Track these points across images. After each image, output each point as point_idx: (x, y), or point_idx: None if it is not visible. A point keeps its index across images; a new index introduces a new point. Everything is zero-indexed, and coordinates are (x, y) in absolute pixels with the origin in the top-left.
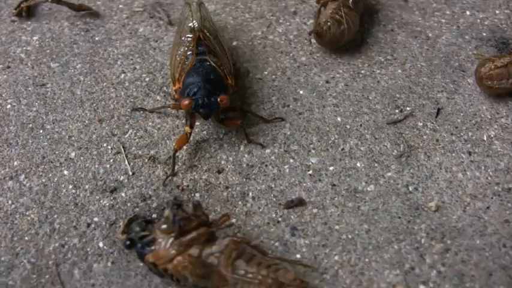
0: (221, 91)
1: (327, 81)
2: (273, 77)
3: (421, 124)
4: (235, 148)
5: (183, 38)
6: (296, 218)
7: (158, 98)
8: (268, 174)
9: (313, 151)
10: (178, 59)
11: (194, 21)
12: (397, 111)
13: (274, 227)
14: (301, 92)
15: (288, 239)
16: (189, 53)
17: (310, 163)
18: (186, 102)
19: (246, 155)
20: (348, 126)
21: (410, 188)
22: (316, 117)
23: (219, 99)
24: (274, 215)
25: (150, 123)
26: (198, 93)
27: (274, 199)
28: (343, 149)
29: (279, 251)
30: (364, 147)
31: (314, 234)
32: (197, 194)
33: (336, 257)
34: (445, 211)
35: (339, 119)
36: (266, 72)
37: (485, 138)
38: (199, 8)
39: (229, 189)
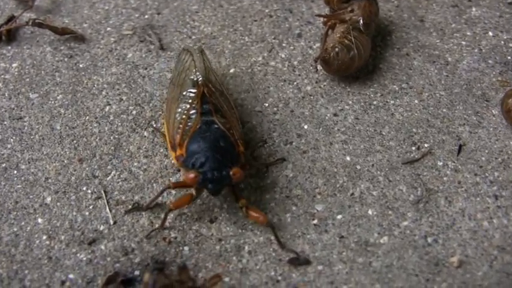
0: (233, 162)
1: (335, 114)
2: (275, 109)
3: (441, 163)
4: (229, 194)
5: (184, 93)
6: (298, 276)
7: (145, 134)
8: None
9: (318, 196)
10: (178, 118)
11: (198, 73)
12: (413, 148)
13: (273, 287)
14: (305, 126)
15: None
16: (192, 111)
17: (315, 211)
18: (192, 176)
19: None
20: (359, 167)
21: (429, 240)
22: (322, 157)
23: (231, 173)
24: (273, 273)
25: (135, 164)
26: (206, 165)
27: (273, 254)
28: (352, 194)
29: None
30: (376, 191)
31: None
32: (186, 248)
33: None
34: (469, 267)
35: (348, 158)
36: (266, 104)
37: None
38: (203, 57)
39: (223, 242)
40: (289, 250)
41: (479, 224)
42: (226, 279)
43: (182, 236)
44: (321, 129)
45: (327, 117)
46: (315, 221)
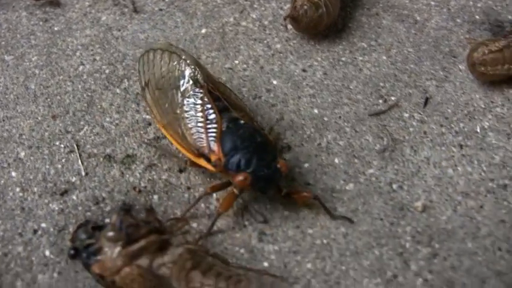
0: (274, 155)
1: (304, 70)
2: (244, 66)
3: (407, 115)
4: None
5: (187, 97)
6: (263, 224)
7: (118, 91)
8: None
9: (285, 145)
10: (193, 123)
11: (196, 71)
12: (380, 101)
13: (240, 231)
14: (274, 82)
15: (254, 245)
16: (209, 111)
17: (283, 160)
18: (241, 178)
19: None
20: (326, 119)
21: (394, 187)
22: (290, 110)
23: (279, 166)
24: (240, 218)
25: (107, 119)
26: (252, 163)
27: (241, 200)
28: (319, 144)
29: (245, 258)
30: (343, 141)
31: (284, 239)
32: (155, 196)
33: (309, 265)
34: (433, 211)
35: (315, 110)
36: (237, 61)
37: (478, 130)
38: (185, 52)
39: (191, 190)
40: (340, 218)
41: (444, 171)
42: (194, 224)
43: (152, 185)
44: (289, 84)
45: (295, 73)
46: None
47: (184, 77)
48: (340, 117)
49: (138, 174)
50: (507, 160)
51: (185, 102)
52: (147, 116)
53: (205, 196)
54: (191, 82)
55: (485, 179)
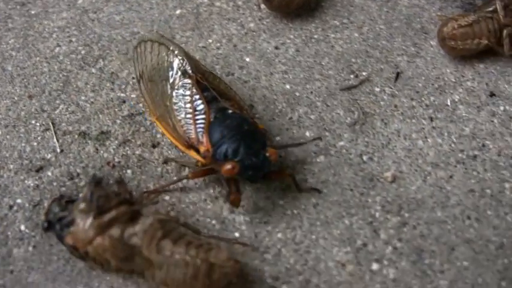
0: (263, 143)
1: (276, 48)
2: (218, 44)
3: (378, 89)
4: None
5: (176, 89)
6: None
7: (93, 71)
8: None
9: (258, 121)
10: (182, 115)
11: (183, 62)
12: (352, 76)
13: (212, 203)
14: (247, 59)
15: (226, 216)
16: (198, 102)
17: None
18: (229, 167)
19: None
20: (297, 94)
21: (365, 158)
22: (262, 85)
23: (267, 154)
24: (212, 191)
25: (82, 98)
26: (240, 151)
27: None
28: (291, 118)
29: (216, 229)
30: (314, 115)
31: (255, 210)
32: (129, 171)
33: (279, 235)
34: (403, 182)
35: (287, 86)
36: (210, 40)
37: (448, 103)
38: (174, 43)
39: (164, 164)
40: (308, 189)
41: (414, 143)
42: (167, 197)
43: (125, 160)
44: (262, 61)
45: (268, 50)
46: None
47: (172, 68)
48: (311, 92)
49: (112, 150)
50: (477, 132)
51: (174, 93)
52: (122, 94)
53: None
54: (179, 73)
55: (455, 150)
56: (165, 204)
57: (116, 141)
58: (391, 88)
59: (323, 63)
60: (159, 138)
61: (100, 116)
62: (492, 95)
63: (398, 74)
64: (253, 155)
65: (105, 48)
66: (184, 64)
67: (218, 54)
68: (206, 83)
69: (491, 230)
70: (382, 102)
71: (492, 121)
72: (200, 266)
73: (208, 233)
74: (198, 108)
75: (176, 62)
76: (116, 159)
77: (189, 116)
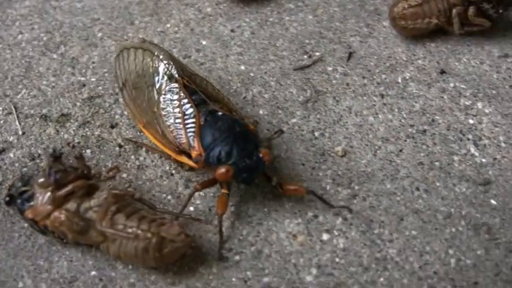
0: (256, 144)
1: (232, 31)
2: (176, 29)
3: (331, 69)
4: None
5: (163, 94)
6: (188, 172)
7: (54, 56)
8: None
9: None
10: (172, 120)
11: (170, 66)
12: (305, 56)
13: (167, 179)
14: (204, 42)
15: (181, 192)
16: (186, 106)
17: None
18: (223, 171)
19: None
20: (252, 74)
21: (316, 134)
22: (218, 67)
23: (261, 155)
24: (168, 168)
25: (44, 82)
26: (233, 154)
27: None
28: (245, 97)
29: (171, 204)
30: (268, 94)
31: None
32: (88, 150)
33: (233, 208)
34: (354, 156)
35: (242, 67)
36: (169, 25)
37: (399, 81)
38: (161, 48)
39: (122, 144)
40: (340, 206)
41: (365, 119)
42: (124, 175)
43: (85, 141)
44: (218, 44)
45: (224, 34)
46: None
47: (158, 74)
48: (265, 72)
49: (72, 131)
50: (427, 107)
51: (161, 99)
52: (82, 78)
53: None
54: (166, 78)
55: (405, 125)
56: (123, 181)
57: (76, 123)
58: (344, 67)
59: (277, 45)
60: (118, 119)
61: (61, 99)
62: (442, 72)
63: (351, 54)
64: (246, 157)
65: (66, 34)
66: (170, 68)
67: (176, 38)
68: (194, 86)
69: (439, 200)
70: (334, 81)
71: (442, 97)
72: (151, 239)
73: (164, 208)
74: (187, 112)
75: (162, 67)
76: (76, 140)
77: (178, 120)
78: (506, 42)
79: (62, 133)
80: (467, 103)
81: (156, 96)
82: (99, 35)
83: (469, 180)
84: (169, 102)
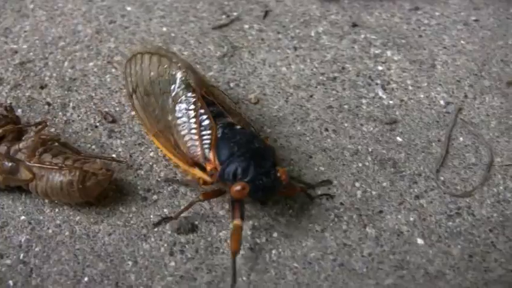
0: (273, 162)
1: None
2: None
3: (248, 26)
4: (59, 64)
5: (179, 103)
6: (113, 124)
7: None
8: (90, 85)
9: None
10: (186, 130)
11: (187, 74)
12: (223, 17)
13: (92, 131)
14: (128, 8)
15: (104, 141)
16: (203, 117)
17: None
18: (238, 188)
19: (69, 70)
20: (173, 35)
21: (232, 85)
22: (141, 30)
23: (278, 174)
24: (92, 121)
25: None
26: (250, 171)
27: (93, 106)
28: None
29: (95, 153)
30: (187, 51)
31: (131, 134)
32: (19, 110)
33: (151, 154)
34: (266, 102)
35: (164, 29)
36: None
37: (312, 34)
38: (176, 56)
39: (51, 102)
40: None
41: (278, 69)
42: (52, 129)
43: (17, 101)
44: (142, 9)
45: None
46: None
47: (175, 81)
48: (186, 32)
49: (4, 94)
50: (338, 57)
51: (177, 108)
52: (14, 46)
53: (197, 200)
54: (183, 86)
55: (317, 74)
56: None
57: (8, 86)
58: (260, 25)
59: (198, 7)
60: (47, 81)
61: None
62: (354, 25)
63: (267, 12)
64: (264, 175)
65: (0, 7)
66: (188, 77)
67: (102, 6)
68: (211, 97)
69: (347, 139)
70: (250, 37)
71: (353, 47)
72: (75, 173)
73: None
74: (204, 124)
75: (179, 75)
76: (8, 101)
77: (193, 131)
78: None
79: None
80: (377, 52)
81: (171, 105)
82: (31, 6)
83: (376, 120)
84: (185, 111)
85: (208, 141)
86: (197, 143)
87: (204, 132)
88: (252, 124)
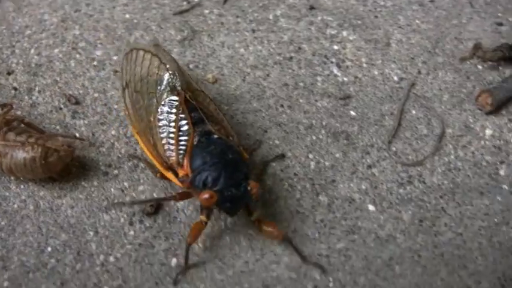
0: (246, 175)
1: None
2: None
3: (208, 11)
4: (25, 52)
5: (162, 105)
6: (75, 105)
7: None
8: (55, 70)
9: (99, 45)
10: (165, 134)
11: (174, 77)
12: (185, 3)
13: (57, 113)
14: None
15: (68, 122)
16: (182, 122)
17: (96, 55)
18: (206, 196)
19: (35, 56)
20: (136, 21)
21: (191, 66)
22: (105, 17)
23: (249, 188)
24: (57, 103)
25: None
26: (220, 181)
27: (58, 90)
28: (128, 41)
29: (59, 132)
30: (148, 36)
31: (94, 114)
32: None
33: (113, 132)
34: (224, 82)
35: (127, 16)
36: None
37: (271, 17)
38: (169, 56)
39: (18, 87)
40: (312, 264)
41: (236, 51)
42: (18, 112)
43: None
44: None
45: None
46: (95, 63)
47: (162, 83)
48: (148, 18)
49: None
50: (294, 38)
51: (160, 109)
52: None
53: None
54: (168, 88)
55: (273, 54)
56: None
57: None
58: (219, 9)
59: None
60: (14, 67)
61: None
62: (312, 8)
63: None
64: (233, 186)
65: None
66: (174, 79)
67: None
68: (195, 102)
69: (301, 114)
70: (210, 22)
71: (310, 29)
72: (37, 150)
73: None
74: (183, 129)
75: (166, 76)
76: None
77: (171, 135)
78: None
79: None
80: (333, 32)
81: (155, 105)
82: None
83: (331, 96)
84: (166, 114)
85: (184, 148)
86: (173, 147)
87: (181, 138)
88: (232, 134)
